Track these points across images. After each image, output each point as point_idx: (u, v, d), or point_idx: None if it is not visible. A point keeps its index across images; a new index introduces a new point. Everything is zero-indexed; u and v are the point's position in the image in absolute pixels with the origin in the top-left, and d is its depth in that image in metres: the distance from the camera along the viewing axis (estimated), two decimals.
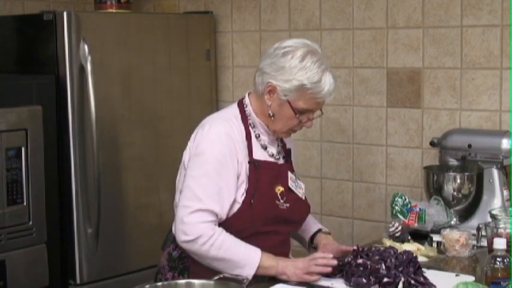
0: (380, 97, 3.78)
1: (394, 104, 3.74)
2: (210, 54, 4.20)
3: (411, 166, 3.70)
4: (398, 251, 2.51)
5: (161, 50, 3.94)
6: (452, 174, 3.28)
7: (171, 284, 2.16)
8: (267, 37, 4.10)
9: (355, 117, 3.87)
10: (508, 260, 2.23)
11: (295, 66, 2.54)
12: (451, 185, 3.24)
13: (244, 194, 2.56)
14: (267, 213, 2.59)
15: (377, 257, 2.45)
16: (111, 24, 3.75)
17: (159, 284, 2.18)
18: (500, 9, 3.41)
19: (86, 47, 3.56)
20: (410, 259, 2.47)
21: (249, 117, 2.65)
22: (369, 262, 2.45)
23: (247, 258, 2.49)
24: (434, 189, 3.29)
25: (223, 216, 2.53)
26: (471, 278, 2.48)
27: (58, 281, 3.57)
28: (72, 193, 3.58)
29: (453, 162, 3.38)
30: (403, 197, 3.13)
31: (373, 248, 2.56)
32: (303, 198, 2.74)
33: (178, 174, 2.71)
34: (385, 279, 2.38)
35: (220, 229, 2.51)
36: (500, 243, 2.25)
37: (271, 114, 2.60)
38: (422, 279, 2.41)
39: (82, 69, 3.56)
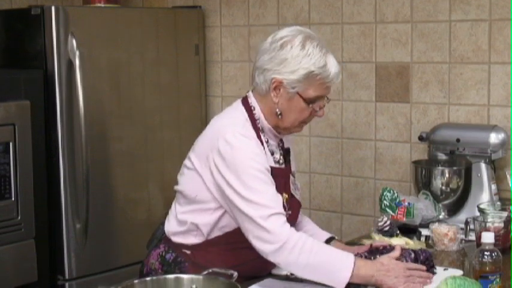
0: (369, 92, 3.78)
1: (382, 98, 3.74)
2: (199, 48, 4.19)
3: (400, 160, 3.71)
4: (417, 250, 2.51)
5: (150, 45, 3.93)
6: (440, 168, 3.29)
7: (160, 279, 2.15)
8: (256, 32, 4.09)
9: (344, 112, 3.87)
10: (495, 254, 2.24)
11: (298, 55, 2.43)
12: (440, 180, 3.25)
13: None
14: None
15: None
16: (99, 18, 3.74)
17: (148, 279, 2.17)
18: (488, 4, 3.41)
19: (74, 41, 3.54)
20: (427, 257, 2.46)
21: (257, 121, 2.51)
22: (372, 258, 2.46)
23: (342, 261, 2.31)
24: (422, 183, 3.30)
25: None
26: (459, 272, 2.48)
27: (47, 277, 3.57)
28: (61, 188, 3.57)
29: (441, 156, 3.39)
30: (392, 192, 3.13)
31: (388, 247, 2.55)
32: (299, 200, 2.65)
33: (182, 176, 2.55)
34: None
35: (301, 232, 2.38)
36: (488, 237, 2.25)
37: (278, 113, 2.47)
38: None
39: (70, 64, 3.55)
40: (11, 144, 3.32)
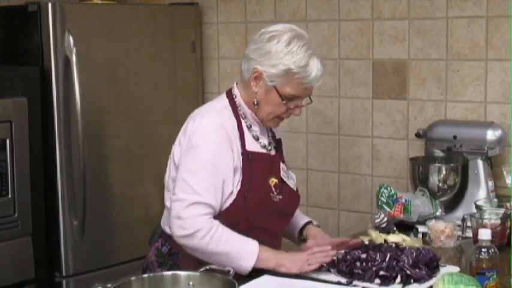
0: (366, 88, 3.78)
1: (379, 95, 3.74)
2: (196, 45, 4.19)
3: (397, 157, 3.71)
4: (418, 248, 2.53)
5: (147, 42, 3.93)
6: (437, 165, 3.29)
7: (157, 276, 2.16)
8: (253, 28, 4.09)
9: (341, 109, 3.87)
10: (492, 250, 2.24)
11: (282, 51, 2.49)
12: (437, 176, 3.25)
13: (239, 187, 2.50)
14: (262, 206, 2.54)
15: (389, 254, 2.44)
16: (96, 15, 3.74)
17: (145, 276, 2.18)
18: (485, 1, 3.41)
19: (71, 38, 3.54)
20: (430, 258, 2.47)
21: (239, 108, 2.59)
22: (364, 255, 2.46)
23: (246, 250, 2.44)
24: (419, 180, 3.30)
25: (218, 209, 2.48)
26: (456, 269, 2.49)
27: (44, 274, 3.56)
28: (58, 185, 3.57)
29: (438, 153, 3.39)
30: (389, 188, 3.14)
31: (385, 245, 2.56)
32: (295, 189, 2.71)
33: (168, 170, 2.65)
34: (381, 273, 2.39)
35: (218, 222, 2.45)
36: (485, 234, 2.26)
37: (255, 102, 2.56)
38: (419, 273, 2.40)
39: (67, 61, 3.54)
40: (7, 141, 3.31)
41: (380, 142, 3.77)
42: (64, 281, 3.62)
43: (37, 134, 3.50)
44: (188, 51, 4.15)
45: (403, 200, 3.11)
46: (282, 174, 2.65)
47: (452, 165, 3.28)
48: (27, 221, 3.41)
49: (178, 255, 2.54)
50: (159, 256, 2.60)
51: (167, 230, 2.58)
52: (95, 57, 3.68)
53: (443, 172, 3.25)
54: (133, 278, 2.13)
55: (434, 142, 3.40)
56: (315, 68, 2.51)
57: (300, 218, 2.85)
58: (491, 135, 3.27)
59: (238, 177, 2.51)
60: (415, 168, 3.34)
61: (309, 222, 2.84)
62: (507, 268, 2.55)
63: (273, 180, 2.59)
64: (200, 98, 4.20)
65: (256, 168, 2.54)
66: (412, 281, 2.38)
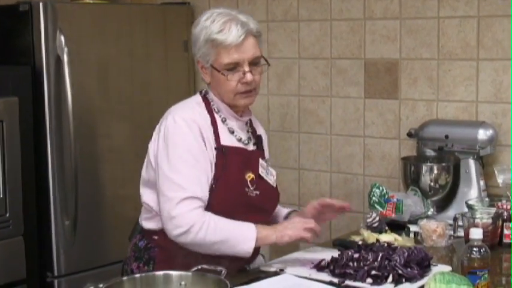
0: (358, 88, 3.79)
1: (371, 95, 3.75)
2: (188, 45, 4.18)
3: (388, 157, 3.72)
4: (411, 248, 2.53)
5: (138, 41, 3.92)
6: (429, 164, 3.30)
7: (149, 276, 2.15)
8: None
9: (333, 108, 3.87)
10: (484, 250, 2.24)
11: (201, 29, 2.54)
12: (428, 176, 3.26)
13: (212, 180, 2.51)
14: (234, 200, 2.54)
15: (381, 253, 2.45)
16: (88, 14, 3.73)
17: (137, 275, 2.17)
18: (476, 1, 3.42)
19: (62, 37, 3.53)
20: (422, 257, 2.47)
21: (212, 103, 2.61)
22: (356, 255, 2.46)
23: (243, 233, 2.45)
24: (411, 179, 3.30)
25: (206, 199, 2.48)
26: (448, 268, 2.49)
27: (35, 274, 3.56)
28: (49, 185, 3.56)
29: (430, 153, 3.39)
30: (381, 188, 3.14)
31: (377, 244, 2.57)
32: (274, 185, 2.71)
33: (144, 167, 2.66)
34: (373, 272, 2.39)
35: (209, 213, 2.46)
36: (476, 233, 2.26)
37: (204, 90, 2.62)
38: (411, 272, 2.41)
39: (58, 60, 3.54)
40: None
41: (372, 142, 3.77)
42: (56, 281, 3.62)
43: (28, 134, 3.50)
44: (180, 51, 4.15)
45: (395, 200, 3.11)
46: (261, 170, 2.64)
47: (443, 164, 3.29)
48: (18, 221, 3.41)
49: (154, 250, 2.56)
50: (135, 251, 2.62)
51: (144, 225, 2.63)
52: (86, 56, 3.68)
53: (435, 171, 3.26)
54: (125, 278, 2.13)
55: (426, 141, 3.41)
56: (233, 28, 2.50)
57: (283, 210, 2.85)
58: (482, 134, 3.27)
59: (214, 172, 2.52)
60: (406, 168, 3.34)
61: (293, 211, 2.85)
62: (498, 267, 2.57)
63: (250, 175, 2.59)
64: None
65: (230, 162, 2.54)
66: (403, 280, 2.38)
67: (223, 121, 2.60)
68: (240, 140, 2.62)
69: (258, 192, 2.60)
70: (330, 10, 3.83)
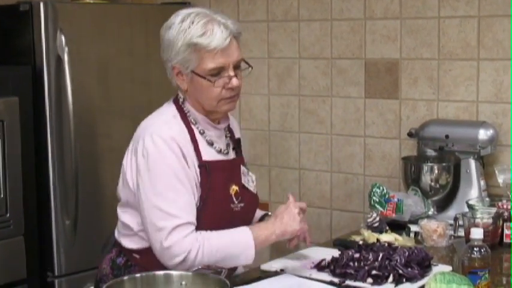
0: (358, 88, 3.79)
1: (372, 95, 3.75)
2: None
3: (389, 157, 3.72)
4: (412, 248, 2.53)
5: (139, 41, 3.92)
6: (429, 164, 3.30)
7: (149, 276, 2.15)
8: (245, 28, 4.08)
9: (333, 108, 3.87)
10: (484, 249, 2.24)
11: (177, 33, 2.37)
12: (429, 176, 3.26)
13: (199, 201, 2.38)
14: (220, 219, 2.41)
15: (381, 253, 2.44)
16: (88, 14, 3.73)
17: (137, 275, 2.16)
18: (477, 1, 3.42)
19: (62, 37, 3.53)
20: (423, 257, 2.47)
21: (188, 114, 2.45)
22: (357, 255, 2.46)
23: (241, 243, 2.35)
24: (412, 179, 3.31)
25: (195, 222, 2.36)
26: (448, 268, 2.49)
27: (36, 274, 3.56)
28: (50, 185, 3.56)
29: (431, 152, 3.39)
30: (381, 188, 3.14)
31: (378, 244, 2.57)
32: (255, 192, 2.58)
33: (120, 185, 2.52)
34: (374, 272, 2.39)
35: (202, 235, 2.33)
36: (477, 233, 2.26)
37: (193, 99, 2.43)
38: (412, 272, 2.40)
39: (59, 60, 3.54)
40: None
41: (372, 141, 3.77)
42: (56, 281, 3.62)
43: (29, 134, 3.50)
44: None
45: (396, 200, 3.11)
46: (243, 180, 2.52)
47: (444, 164, 3.29)
48: (19, 221, 3.41)
49: (135, 268, 2.43)
50: (114, 268, 2.50)
51: (123, 243, 2.50)
52: (87, 56, 3.68)
53: (436, 171, 3.26)
54: (125, 278, 2.12)
55: (426, 141, 3.41)
56: (215, 30, 2.34)
57: (257, 212, 2.69)
58: (483, 134, 3.27)
59: (199, 191, 2.39)
60: (407, 168, 3.34)
61: (266, 214, 2.71)
62: (499, 267, 2.57)
63: (234, 188, 2.47)
64: None
65: (215, 178, 2.41)
66: (404, 280, 2.38)
67: (202, 133, 2.45)
68: (220, 151, 2.48)
69: (242, 205, 2.48)
70: (331, 10, 3.83)
